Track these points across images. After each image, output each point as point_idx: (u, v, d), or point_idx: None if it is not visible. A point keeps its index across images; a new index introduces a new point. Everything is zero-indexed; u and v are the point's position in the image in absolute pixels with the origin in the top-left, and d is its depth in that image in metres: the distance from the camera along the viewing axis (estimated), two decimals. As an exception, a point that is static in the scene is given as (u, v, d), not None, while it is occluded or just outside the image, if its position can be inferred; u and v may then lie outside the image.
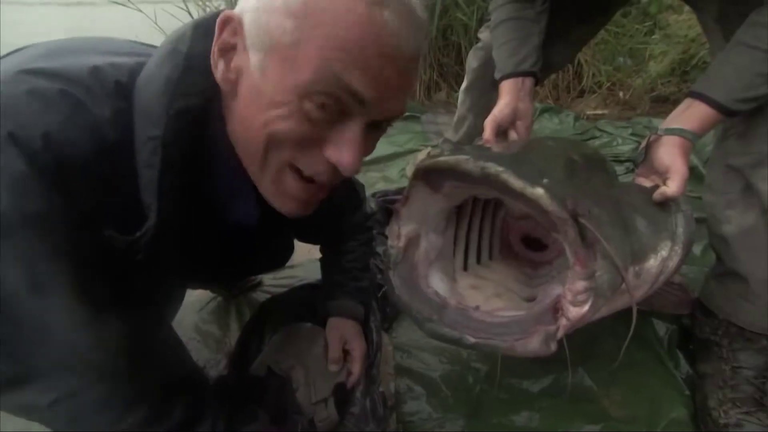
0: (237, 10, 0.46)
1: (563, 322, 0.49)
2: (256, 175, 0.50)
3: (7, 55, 0.48)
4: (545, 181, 0.45)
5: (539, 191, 0.44)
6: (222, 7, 2.50)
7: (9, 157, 0.39)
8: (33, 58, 0.45)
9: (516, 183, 0.44)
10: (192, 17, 2.35)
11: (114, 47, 0.51)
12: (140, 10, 2.17)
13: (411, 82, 0.49)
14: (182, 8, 2.31)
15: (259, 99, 0.45)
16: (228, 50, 0.46)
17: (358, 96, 0.43)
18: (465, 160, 0.47)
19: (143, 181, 0.45)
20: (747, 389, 0.81)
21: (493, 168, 0.45)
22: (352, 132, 0.46)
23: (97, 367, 0.49)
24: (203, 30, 0.48)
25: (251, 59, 0.45)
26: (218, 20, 0.46)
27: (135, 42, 0.57)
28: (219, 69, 0.47)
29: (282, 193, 0.51)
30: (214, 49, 0.46)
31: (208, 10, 2.47)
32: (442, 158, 0.50)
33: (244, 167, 0.51)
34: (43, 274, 0.43)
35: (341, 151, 0.46)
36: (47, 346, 0.45)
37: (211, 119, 0.49)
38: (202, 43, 0.47)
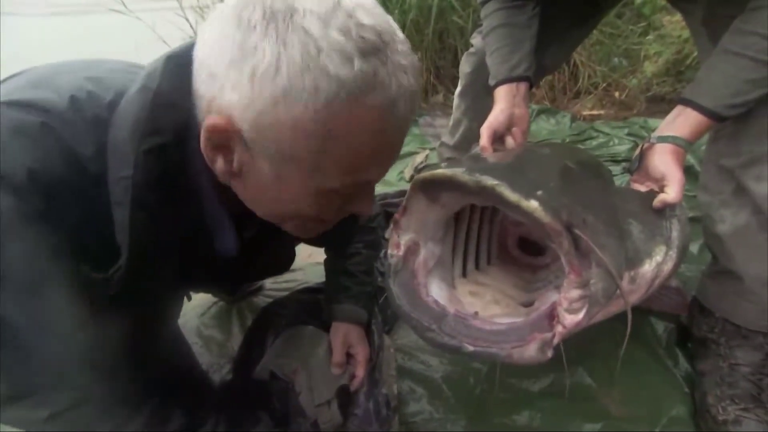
0: (221, 107, 0.42)
1: (559, 329, 0.50)
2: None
3: None
4: (539, 193, 0.46)
5: (534, 204, 0.45)
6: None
7: None
8: (17, 87, 0.47)
9: (511, 196, 0.46)
10: (191, 25, 2.36)
11: (100, 72, 0.51)
12: (139, 18, 2.17)
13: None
14: (181, 15, 2.32)
15: (278, 194, 0.47)
16: (223, 148, 0.44)
17: (373, 181, 0.50)
18: (461, 173, 0.48)
19: (116, 220, 0.46)
20: (744, 386, 0.82)
21: (489, 181, 0.46)
22: (368, 194, 0.51)
23: (94, 370, 0.50)
24: (175, 63, 0.47)
25: (261, 165, 0.44)
26: (205, 127, 0.43)
27: (122, 63, 0.56)
28: (217, 164, 0.46)
29: (288, 226, 0.54)
30: (205, 147, 0.44)
31: (205, 17, 2.48)
32: (439, 171, 0.51)
33: (224, 199, 0.52)
34: (32, 299, 0.44)
35: (362, 207, 0.52)
36: (32, 366, 0.47)
37: (184, 153, 0.48)
38: (173, 78, 0.46)
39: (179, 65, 0.46)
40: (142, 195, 0.45)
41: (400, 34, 0.44)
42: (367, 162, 0.45)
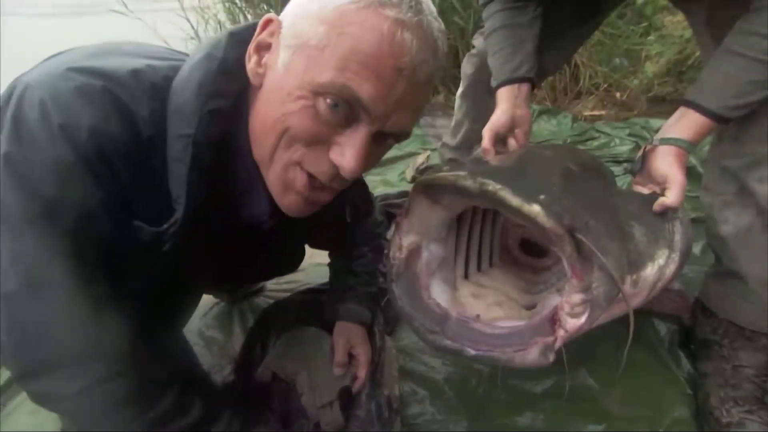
0: (281, 15, 0.51)
1: (561, 333, 0.50)
2: (265, 167, 0.53)
3: (57, 54, 0.51)
4: (542, 197, 0.46)
5: (536, 208, 0.45)
6: (220, 14, 2.51)
7: (58, 146, 0.43)
8: (80, 57, 0.49)
9: (513, 200, 0.46)
10: (191, 25, 2.37)
11: (151, 52, 0.55)
12: (140, 19, 2.18)
13: (420, 102, 0.51)
14: (181, 15, 2.33)
15: (279, 92, 0.48)
16: (263, 48, 0.51)
17: (365, 107, 0.46)
18: (463, 177, 0.48)
19: (173, 176, 0.49)
20: (748, 388, 0.81)
21: (492, 185, 0.46)
22: (357, 137, 0.49)
23: (119, 358, 0.51)
24: (238, 38, 0.52)
25: (281, 56, 0.48)
26: (261, 20, 0.51)
27: (169, 48, 0.61)
28: (251, 62, 0.51)
29: (285, 187, 0.53)
30: (252, 44, 0.51)
31: (206, 18, 2.48)
32: (441, 175, 0.51)
33: (256, 159, 0.54)
34: (77, 261, 0.46)
35: (344, 154, 0.49)
36: (69, 331, 0.48)
37: (237, 119, 0.53)
38: (236, 50, 0.52)
39: (240, 41, 0.52)
40: (200, 153, 0.48)
41: (434, 9, 0.50)
42: (362, 69, 0.45)
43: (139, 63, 0.50)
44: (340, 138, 0.49)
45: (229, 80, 0.51)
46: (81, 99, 0.44)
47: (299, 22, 0.47)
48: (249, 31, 0.52)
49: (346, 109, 0.47)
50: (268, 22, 0.50)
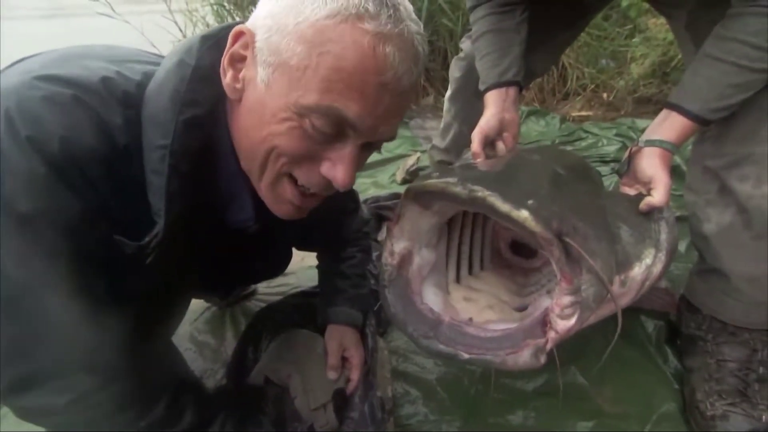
0: (249, 24, 0.49)
1: (552, 334, 0.51)
2: (254, 178, 0.53)
3: (18, 62, 0.50)
4: (530, 202, 0.47)
5: (524, 214, 0.46)
6: (208, 16, 2.49)
7: (28, 159, 0.41)
8: (45, 65, 0.47)
9: (502, 206, 0.46)
10: (179, 28, 2.35)
11: (119, 55, 0.53)
12: (127, 21, 2.15)
13: (405, 110, 0.52)
14: (169, 18, 2.31)
15: (262, 111, 0.48)
16: (237, 60, 0.49)
17: (352, 124, 0.46)
18: (453, 184, 0.49)
19: (151, 188, 0.47)
20: (731, 381, 0.83)
21: (481, 192, 0.47)
22: (346, 152, 0.49)
23: (108, 367, 0.51)
24: (211, 43, 0.51)
25: (259, 73, 0.47)
26: (232, 32, 0.49)
27: (140, 50, 0.59)
28: (227, 76, 0.49)
29: (277, 197, 0.53)
30: (225, 57, 0.49)
31: (194, 20, 2.46)
32: (431, 182, 0.52)
33: (243, 169, 0.54)
34: (58, 274, 0.45)
35: (336, 170, 0.49)
36: (55, 344, 0.47)
37: (215, 125, 0.52)
38: (210, 55, 0.50)
39: (213, 45, 0.51)
40: (178, 163, 0.47)
41: (411, 10, 0.49)
42: (346, 88, 0.44)
43: (110, 70, 0.48)
44: (330, 153, 0.49)
45: (203, 87, 0.49)
46: (50, 109, 0.43)
47: (275, 37, 0.46)
48: (222, 35, 0.51)
49: (333, 127, 0.47)
50: (240, 34, 0.49)
